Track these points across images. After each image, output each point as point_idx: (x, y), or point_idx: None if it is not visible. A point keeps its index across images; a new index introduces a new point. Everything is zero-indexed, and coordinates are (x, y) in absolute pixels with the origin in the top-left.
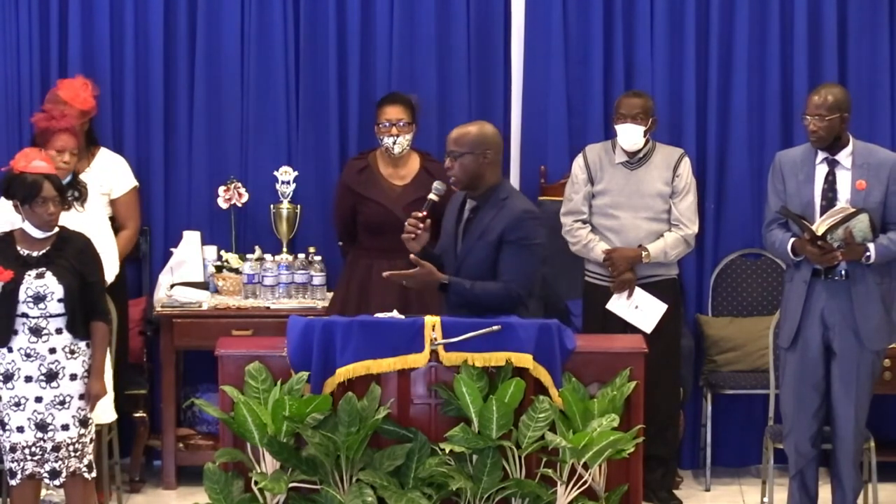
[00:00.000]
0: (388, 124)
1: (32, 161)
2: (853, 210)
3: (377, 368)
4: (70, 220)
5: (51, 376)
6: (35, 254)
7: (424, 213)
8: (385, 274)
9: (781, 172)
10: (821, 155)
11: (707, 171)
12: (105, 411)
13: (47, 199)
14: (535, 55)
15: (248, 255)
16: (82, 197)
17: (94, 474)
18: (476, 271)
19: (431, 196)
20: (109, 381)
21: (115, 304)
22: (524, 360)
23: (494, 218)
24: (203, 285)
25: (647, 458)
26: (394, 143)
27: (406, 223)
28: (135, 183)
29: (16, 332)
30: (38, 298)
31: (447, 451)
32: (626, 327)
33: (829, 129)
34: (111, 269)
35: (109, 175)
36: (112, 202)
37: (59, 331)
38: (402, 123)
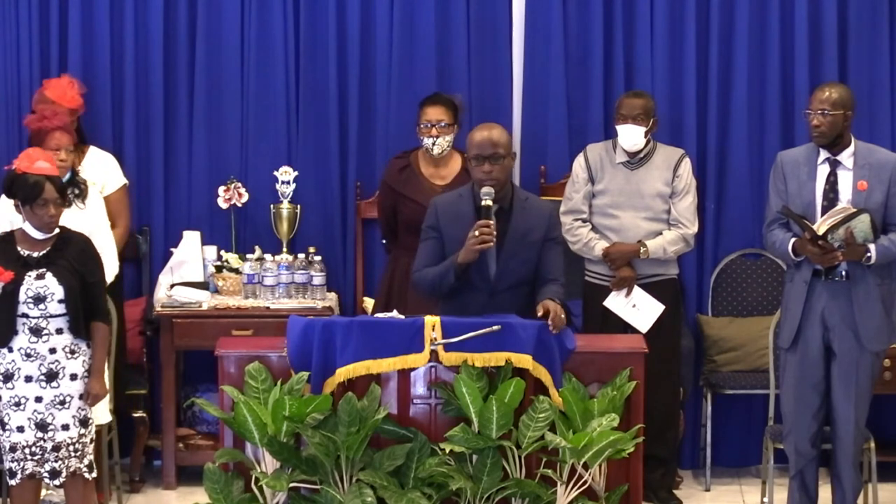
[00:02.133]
0: (428, 125)
1: (36, 162)
2: (854, 210)
3: (377, 368)
4: (70, 217)
5: (51, 376)
6: (35, 254)
7: (491, 221)
8: (554, 331)
9: (783, 172)
10: (822, 155)
11: (707, 171)
12: (100, 412)
13: (48, 201)
14: (535, 55)
15: (248, 255)
16: (83, 194)
17: (94, 474)
18: (520, 272)
19: (488, 202)
20: (108, 382)
21: (113, 305)
22: (524, 360)
23: (530, 218)
24: (203, 285)
25: (647, 458)
26: (433, 143)
27: (477, 232)
28: (124, 181)
29: (16, 332)
30: (39, 299)
31: (447, 451)
32: (627, 327)
33: (832, 126)
34: (111, 268)
35: (99, 173)
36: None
37: (59, 331)
38: (442, 124)
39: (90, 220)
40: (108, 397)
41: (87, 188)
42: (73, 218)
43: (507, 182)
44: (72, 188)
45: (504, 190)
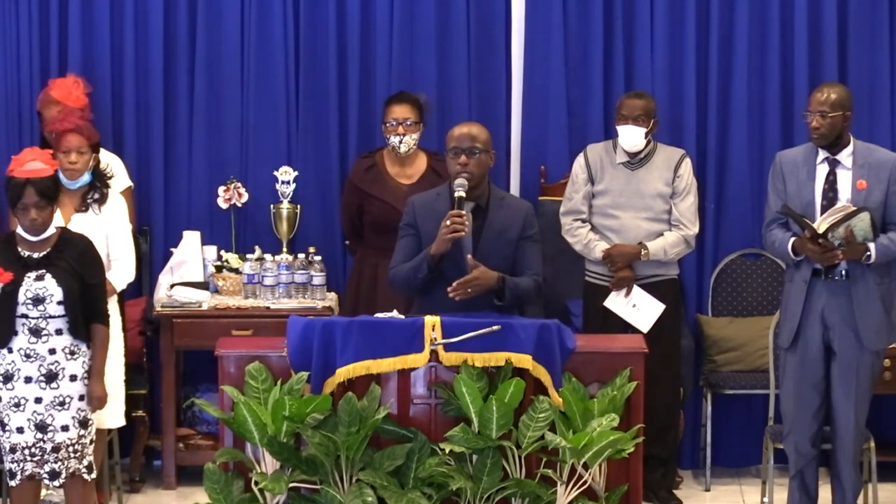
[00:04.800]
0: (394, 123)
1: (25, 164)
2: (854, 208)
3: (377, 368)
4: (86, 222)
5: (50, 377)
6: (35, 255)
7: (464, 211)
8: (453, 294)
9: (782, 172)
10: (821, 155)
11: (707, 171)
12: (114, 415)
13: (28, 205)
14: (535, 55)
15: (248, 255)
16: (102, 199)
17: (93, 475)
18: (496, 268)
19: (461, 193)
20: (120, 385)
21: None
22: (524, 360)
23: (507, 216)
24: (203, 285)
25: (647, 458)
26: (400, 142)
27: (449, 221)
28: (129, 183)
29: (16, 333)
30: (38, 300)
31: (447, 451)
32: (627, 327)
33: (832, 127)
34: (127, 275)
35: None
36: None
37: (58, 332)
38: (408, 122)
39: (107, 226)
40: (122, 399)
41: (108, 194)
42: (89, 223)
43: (482, 178)
44: (92, 192)
45: (480, 188)
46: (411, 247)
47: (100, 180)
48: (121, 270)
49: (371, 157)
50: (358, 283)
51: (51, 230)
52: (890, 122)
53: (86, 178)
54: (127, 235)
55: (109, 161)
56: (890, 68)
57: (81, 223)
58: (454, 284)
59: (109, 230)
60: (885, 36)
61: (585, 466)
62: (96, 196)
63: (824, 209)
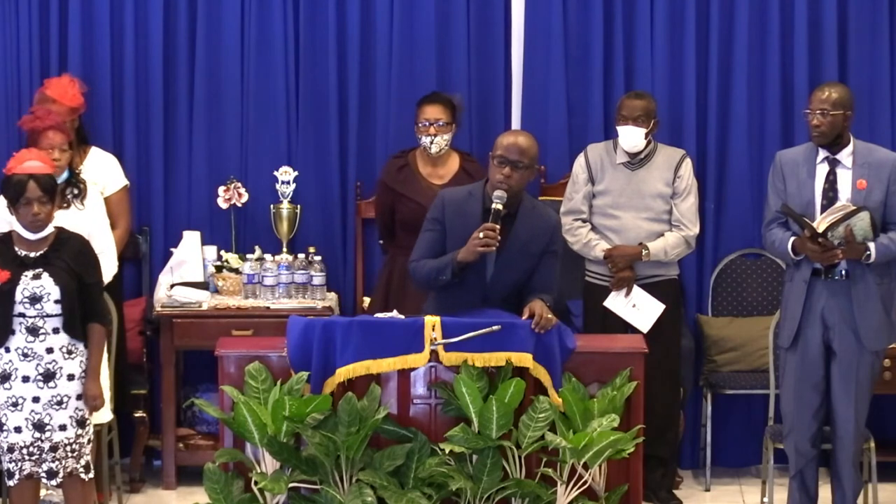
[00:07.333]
0: (426, 123)
1: (25, 161)
2: (854, 208)
3: (377, 368)
4: (69, 217)
5: (48, 376)
6: (32, 254)
7: (497, 224)
8: (538, 330)
9: (782, 172)
10: (821, 154)
11: (707, 171)
12: (101, 411)
13: (31, 200)
14: (535, 55)
15: (248, 255)
16: (82, 194)
17: (91, 475)
18: (515, 280)
19: (498, 205)
20: (108, 381)
21: (113, 304)
22: (524, 360)
23: (534, 227)
24: (203, 285)
25: (647, 458)
26: (431, 142)
27: (482, 235)
28: (126, 182)
29: (13, 332)
30: (35, 299)
31: (447, 451)
32: (627, 327)
33: (832, 126)
34: (110, 268)
35: (101, 174)
36: (104, 201)
37: (56, 331)
38: (440, 123)
39: (89, 220)
40: (108, 395)
41: (87, 188)
42: (72, 218)
43: (520, 191)
44: (70, 188)
45: (514, 197)
46: (435, 241)
47: (75, 176)
48: (106, 264)
49: (403, 157)
50: (388, 282)
51: (49, 229)
52: (890, 122)
53: (65, 174)
54: (107, 228)
55: (105, 160)
56: (890, 68)
57: (65, 219)
58: (539, 325)
59: (91, 225)
60: (885, 36)
61: (585, 466)
62: (75, 192)
63: (824, 209)
